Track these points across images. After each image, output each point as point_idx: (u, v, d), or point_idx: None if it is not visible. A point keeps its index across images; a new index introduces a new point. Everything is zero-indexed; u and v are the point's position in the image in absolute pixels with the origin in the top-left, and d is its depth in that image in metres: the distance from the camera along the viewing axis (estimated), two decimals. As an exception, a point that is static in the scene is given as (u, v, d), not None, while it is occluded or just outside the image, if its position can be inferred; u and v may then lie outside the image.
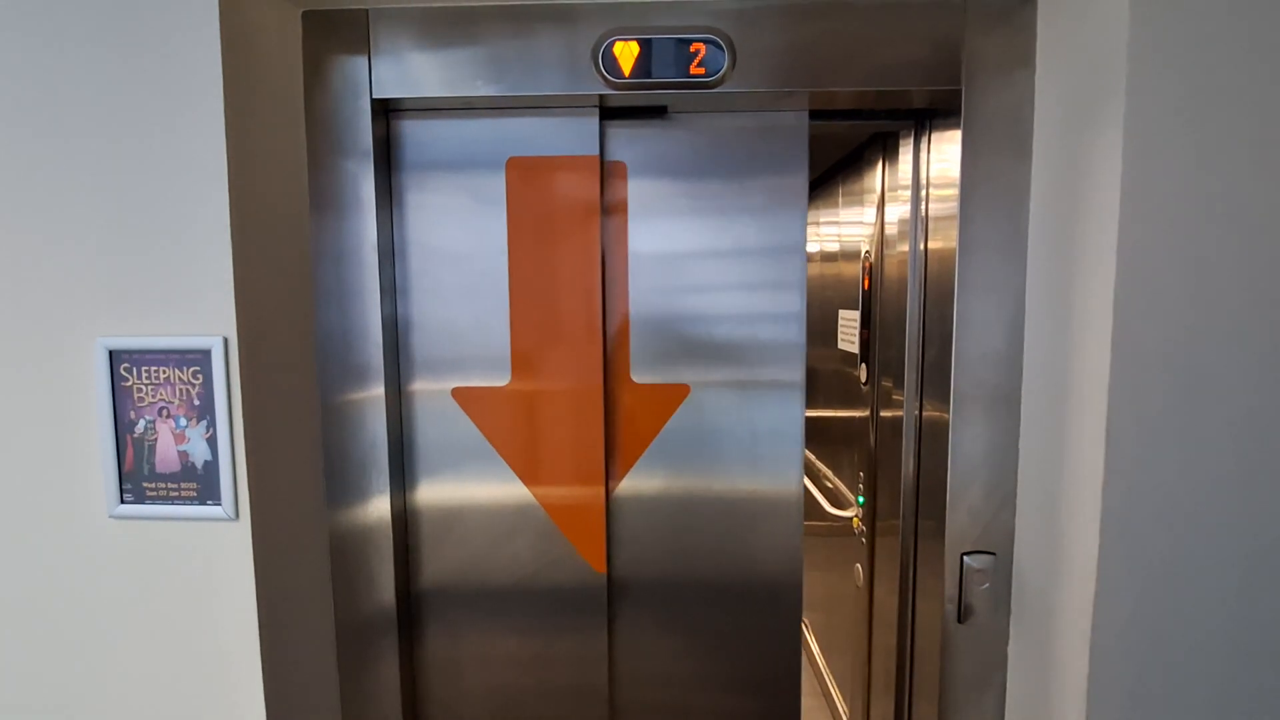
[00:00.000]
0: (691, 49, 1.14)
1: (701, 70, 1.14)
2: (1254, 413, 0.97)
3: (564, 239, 1.29)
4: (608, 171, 1.30)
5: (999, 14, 1.12)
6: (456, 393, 1.31)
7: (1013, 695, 1.22)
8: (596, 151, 1.27)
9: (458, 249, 1.29)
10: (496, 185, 1.28)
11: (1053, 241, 1.10)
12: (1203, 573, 1.00)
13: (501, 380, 1.31)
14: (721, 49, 1.14)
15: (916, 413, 1.38)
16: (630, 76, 1.15)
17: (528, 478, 1.34)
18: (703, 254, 1.31)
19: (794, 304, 1.32)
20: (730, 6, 1.13)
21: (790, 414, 1.34)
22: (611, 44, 1.14)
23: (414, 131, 1.27)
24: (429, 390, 1.32)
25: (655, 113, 1.28)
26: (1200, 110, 0.93)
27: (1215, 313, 0.96)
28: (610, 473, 1.35)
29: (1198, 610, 1.00)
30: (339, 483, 1.24)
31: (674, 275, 1.32)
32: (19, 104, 1.00)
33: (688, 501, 1.36)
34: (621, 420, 1.35)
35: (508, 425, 1.33)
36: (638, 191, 1.30)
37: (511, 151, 1.27)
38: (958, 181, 1.15)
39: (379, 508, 1.25)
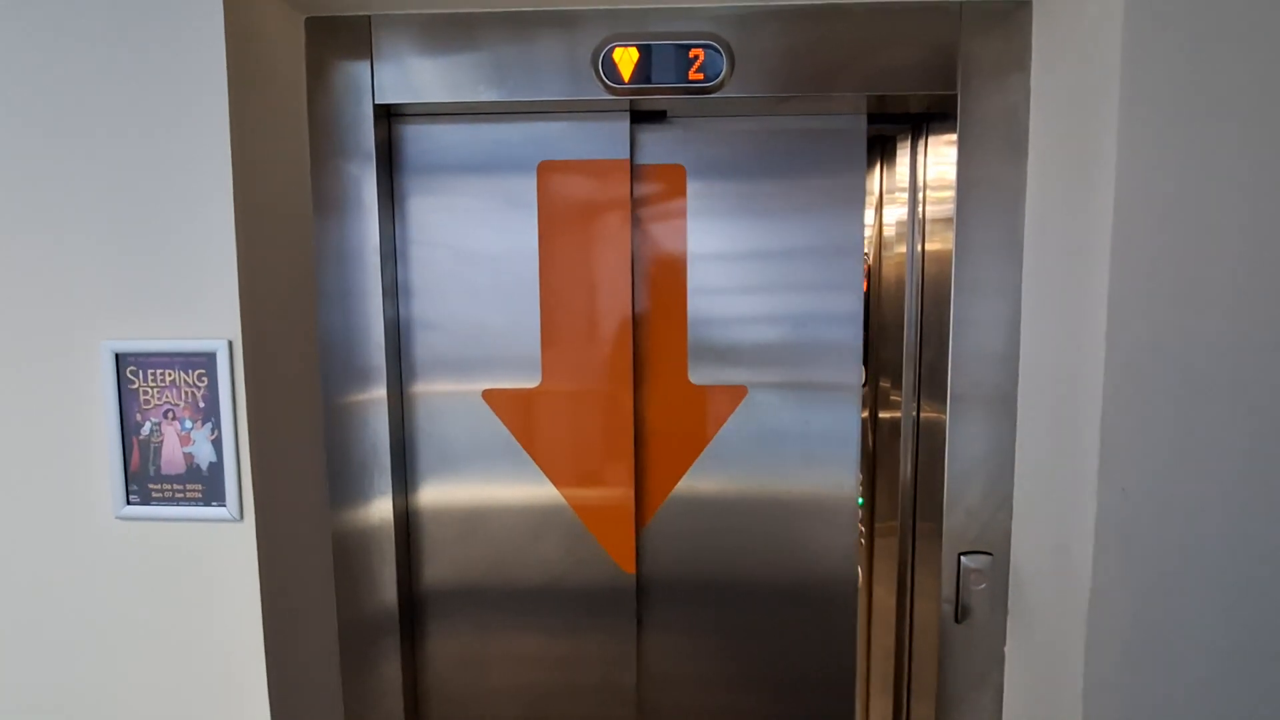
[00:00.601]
0: (690, 55, 1.15)
1: (700, 76, 1.15)
2: (1250, 412, 0.97)
3: (595, 242, 1.29)
4: (665, 175, 1.30)
5: (994, 18, 1.13)
6: (487, 394, 1.32)
7: (1010, 694, 1.23)
8: (626, 155, 1.27)
9: (482, 252, 1.29)
10: (526, 189, 1.28)
11: (1048, 243, 1.11)
12: (1198, 571, 1.00)
13: (532, 382, 1.32)
14: (720, 54, 1.15)
15: (914, 414, 1.39)
16: (630, 82, 1.16)
17: (557, 478, 1.34)
18: (761, 255, 1.31)
19: (852, 305, 1.31)
20: (729, 12, 1.14)
21: (848, 415, 1.34)
22: (611, 50, 1.15)
23: (428, 135, 1.27)
24: (458, 391, 1.32)
25: (655, 117, 1.28)
26: (1195, 112, 0.93)
27: (1210, 313, 0.96)
28: (669, 473, 1.36)
29: (1193, 609, 1.01)
30: (344, 483, 1.25)
31: (732, 277, 1.31)
32: (26, 107, 1.01)
33: (748, 501, 1.36)
34: (678, 421, 1.35)
35: (538, 426, 1.33)
36: (696, 194, 1.30)
37: (542, 155, 1.27)
38: (954, 184, 1.16)
39: (383, 508, 1.26)
